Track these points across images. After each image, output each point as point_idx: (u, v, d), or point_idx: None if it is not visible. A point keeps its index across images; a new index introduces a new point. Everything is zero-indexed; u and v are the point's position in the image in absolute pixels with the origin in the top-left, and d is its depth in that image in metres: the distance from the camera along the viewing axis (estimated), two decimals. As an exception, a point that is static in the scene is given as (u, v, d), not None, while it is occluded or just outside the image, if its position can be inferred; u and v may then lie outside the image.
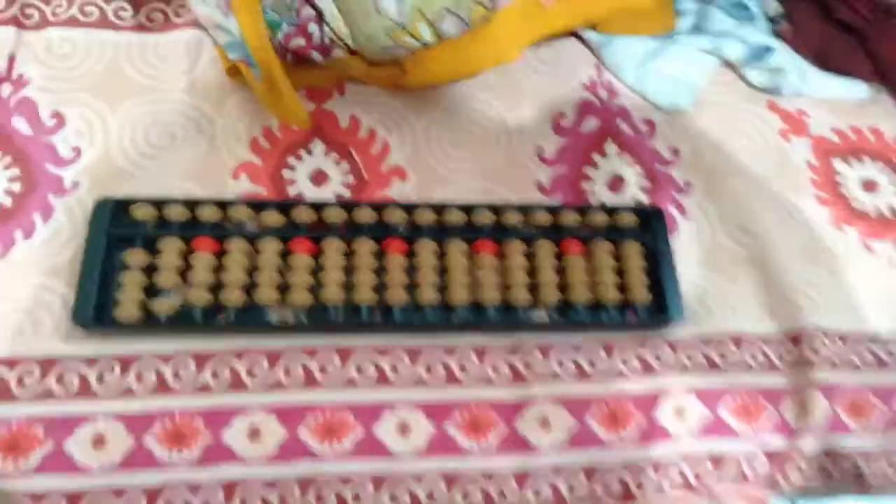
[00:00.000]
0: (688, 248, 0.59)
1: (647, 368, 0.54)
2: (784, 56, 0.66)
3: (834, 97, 0.68)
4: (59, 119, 0.56)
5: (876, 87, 0.69)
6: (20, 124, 0.55)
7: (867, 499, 0.55)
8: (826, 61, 0.68)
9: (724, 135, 0.65)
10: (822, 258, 0.60)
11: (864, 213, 0.63)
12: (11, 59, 0.57)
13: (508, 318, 0.54)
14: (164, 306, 0.50)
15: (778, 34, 0.68)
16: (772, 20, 0.69)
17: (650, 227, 0.57)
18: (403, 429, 0.50)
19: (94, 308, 0.49)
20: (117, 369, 0.49)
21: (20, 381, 0.48)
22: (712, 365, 0.55)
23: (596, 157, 0.62)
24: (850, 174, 0.65)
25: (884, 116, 0.68)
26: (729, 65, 0.67)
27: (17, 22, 0.58)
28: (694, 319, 0.56)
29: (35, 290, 0.50)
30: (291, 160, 0.58)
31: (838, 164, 0.65)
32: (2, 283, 0.50)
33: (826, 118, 0.67)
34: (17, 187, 0.53)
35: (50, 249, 0.52)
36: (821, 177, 0.64)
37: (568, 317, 0.55)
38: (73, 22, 0.59)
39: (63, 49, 0.58)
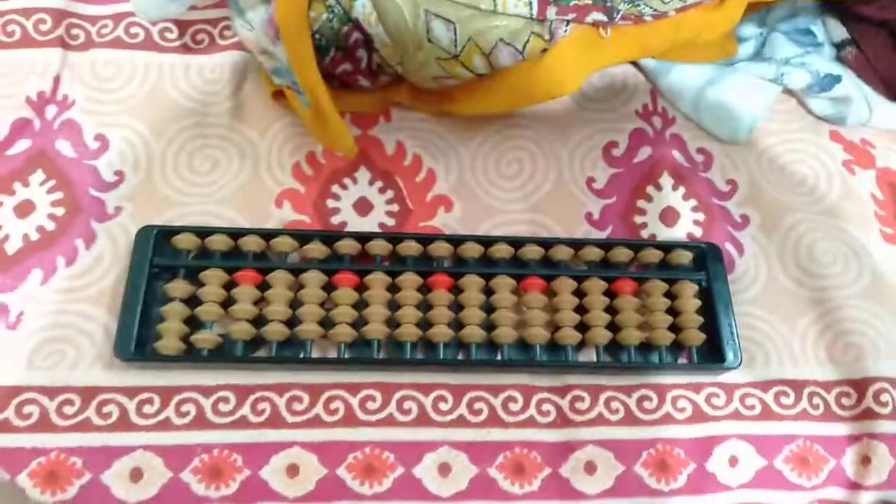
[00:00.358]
0: (745, 288, 0.58)
1: (700, 414, 0.54)
2: (850, 85, 0.65)
3: (902, 128, 0.67)
4: (103, 142, 0.57)
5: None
6: (64, 147, 0.57)
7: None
8: (895, 90, 0.67)
9: (785, 166, 0.64)
10: (888, 301, 0.59)
11: (933, 252, 0.62)
12: (56, 81, 0.59)
13: (556, 357, 0.54)
14: (205, 340, 0.50)
15: (843, 61, 0.67)
16: (837, 46, 0.68)
17: (706, 265, 0.57)
18: (444, 470, 0.50)
19: (136, 341, 0.50)
20: (157, 401, 0.50)
21: (60, 411, 0.49)
22: (769, 412, 0.54)
23: (649, 188, 0.61)
24: (919, 210, 0.64)
25: (954, 149, 0.67)
26: (790, 92, 0.66)
27: (62, 43, 0.59)
28: (750, 363, 0.55)
29: (77, 318, 0.51)
30: (335, 188, 0.58)
31: (906, 199, 0.64)
32: (44, 310, 0.51)
33: (893, 150, 0.66)
34: (59, 211, 0.55)
35: (92, 277, 0.53)
36: (887, 212, 0.63)
37: (618, 358, 0.54)
38: (118, 43, 0.61)
39: (107, 71, 0.60)
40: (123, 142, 0.57)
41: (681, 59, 0.63)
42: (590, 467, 0.51)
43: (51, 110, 0.58)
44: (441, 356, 0.52)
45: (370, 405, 0.51)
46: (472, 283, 0.54)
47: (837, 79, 0.63)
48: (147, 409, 0.49)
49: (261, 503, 0.48)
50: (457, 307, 0.54)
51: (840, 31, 0.67)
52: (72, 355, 0.50)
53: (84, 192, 0.55)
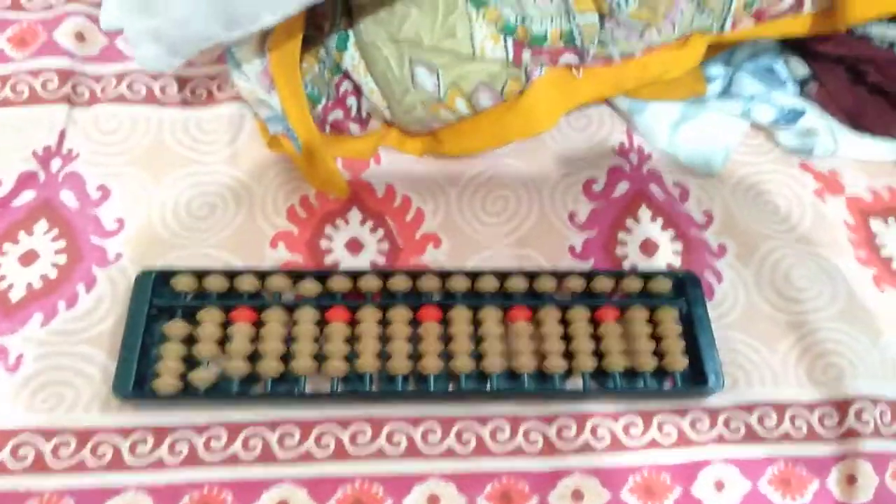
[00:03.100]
0: (725, 314, 0.55)
1: (685, 439, 0.50)
2: (815, 118, 0.62)
3: (867, 158, 0.64)
4: (105, 192, 0.55)
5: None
6: (67, 198, 0.54)
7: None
8: (858, 122, 0.64)
9: (758, 196, 0.61)
10: (864, 322, 0.56)
11: (905, 274, 0.58)
12: (62, 135, 0.56)
13: (543, 386, 0.50)
14: (201, 378, 0.47)
15: (807, 95, 0.65)
16: (800, 82, 0.65)
17: (686, 292, 0.53)
18: (433, 501, 0.46)
19: (134, 380, 0.46)
20: (151, 441, 0.46)
21: (55, 453, 0.46)
22: (753, 435, 0.51)
23: (628, 221, 0.59)
24: (889, 234, 0.60)
25: (919, 176, 0.64)
26: (760, 127, 0.64)
27: (68, 100, 0.58)
28: (733, 387, 0.52)
29: (75, 360, 0.48)
30: (328, 229, 0.56)
31: (876, 225, 0.61)
32: (44, 352, 0.48)
33: (861, 178, 0.63)
34: (62, 259, 0.52)
35: (92, 319, 0.50)
36: (859, 236, 0.60)
37: (604, 385, 0.51)
38: (120, 99, 0.59)
39: (110, 125, 0.58)
40: (124, 191, 0.55)
41: (653, 98, 0.61)
42: (577, 495, 0.47)
43: (56, 163, 0.56)
44: (432, 388, 0.48)
45: (360, 439, 0.48)
46: (461, 316, 0.51)
47: (801, 113, 0.61)
48: (140, 448, 0.46)
49: (253, 540, 0.44)
50: (446, 339, 0.50)
51: (802, 68, 0.64)
52: (70, 397, 0.47)
53: (86, 240, 0.53)
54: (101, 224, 0.53)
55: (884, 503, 0.49)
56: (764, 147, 0.64)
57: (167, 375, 0.47)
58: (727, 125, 0.62)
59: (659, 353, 0.51)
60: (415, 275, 0.52)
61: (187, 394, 0.47)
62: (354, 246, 0.55)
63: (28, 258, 0.52)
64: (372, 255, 0.55)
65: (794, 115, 0.61)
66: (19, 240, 0.52)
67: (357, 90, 0.57)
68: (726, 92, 0.65)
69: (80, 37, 0.60)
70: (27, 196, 0.54)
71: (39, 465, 0.45)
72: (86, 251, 0.52)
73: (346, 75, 0.56)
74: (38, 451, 0.45)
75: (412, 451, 0.48)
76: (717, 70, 0.64)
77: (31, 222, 0.53)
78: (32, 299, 0.50)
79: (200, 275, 0.51)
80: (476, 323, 0.52)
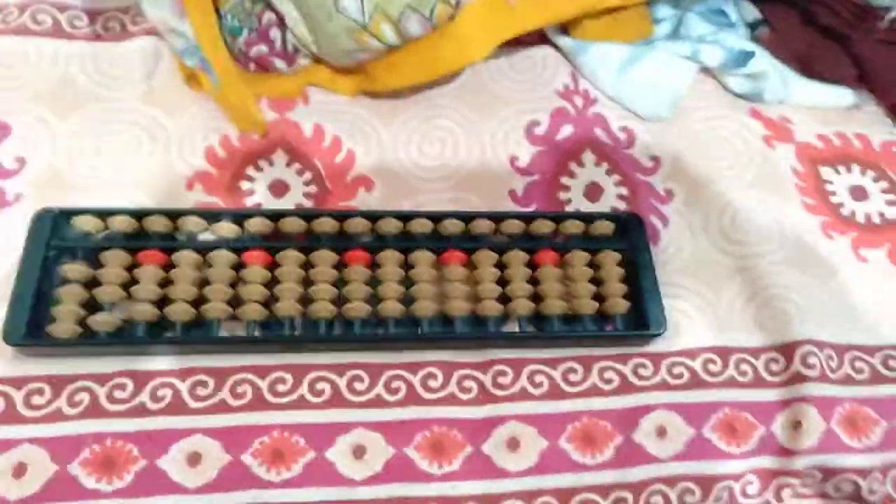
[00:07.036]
0: (670, 259, 0.53)
1: (626, 385, 0.48)
2: (765, 62, 0.61)
3: (818, 104, 0.63)
4: (5, 129, 0.51)
5: (860, 93, 0.64)
6: (-38, 134, 0.50)
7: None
8: (809, 67, 0.63)
9: (706, 142, 0.60)
10: (811, 267, 0.54)
11: (853, 221, 0.57)
12: (-43, 68, 0.52)
13: (478, 331, 0.48)
14: (103, 322, 0.44)
15: (758, 40, 0.63)
16: (751, 26, 0.64)
17: (628, 234, 0.52)
18: (359, 452, 0.44)
19: (28, 325, 0.43)
20: (48, 391, 0.43)
21: (-59, 404, 0.42)
22: (696, 381, 0.49)
23: (572, 165, 0.56)
24: (838, 181, 0.60)
25: (869, 123, 0.64)
26: (709, 72, 0.62)
27: (-36, 30, 0.53)
28: (677, 332, 0.50)
29: (-34, 306, 0.44)
30: (250, 171, 0.52)
31: (826, 172, 0.60)
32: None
33: (811, 125, 0.62)
34: (-46, 199, 0.48)
35: (-14, 264, 0.46)
36: (808, 184, 0.59)
37: (542, 330, 0.49)
38: (23, 30, 0.55)
39: (12, 58, 0.53)
40: (26, 129, 0.51)
41: (598, 39, 0.59)
42: (512, 444, 0.45)
43: (-49, 98, 0.51)
44: (357, 333, 0.46)
45: (280, 388, 0.45)
46: (390, 258, 0.48)
47: (751, 54, 0.60)
48: (36, 399, 0.42)
49: (159, 495, 0.41)
50: (374, 283, 0.47)
51: (753, 12, 0.63)
52: (-43, 345, 0.43)
53: (-19, 180, 0.49)
54: (-2, 162, 0.50)
55: (829, 448, 0.48)
56: (713, 92, 0.62)
57: (65, 320, 0.43)
58: (675, 68, 0.61)
59: (600, 297, 0.50)
60: (342, 216, 0.50)
61: (88, 340, 0.44)
62: (279, 189, 0.52)
63: (-85, 197, 0.48)
64: (298, 198, 0.52)
65: (743, 58, 0.60)
66: None
67: (281, 21, 0.54)
68: (675, 33, 0.63)
69: (-24, -36, 0.56)
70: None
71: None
72: (-20, 192, 0.49)
73: (268, 5, 0.53)
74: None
75: (336, 400, 0.45)
76: (665, 11, 0.63)
77: (-81, 159, 0.49)
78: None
79: (105, 214, 0.47)
80: (407, 267, 0.49)
